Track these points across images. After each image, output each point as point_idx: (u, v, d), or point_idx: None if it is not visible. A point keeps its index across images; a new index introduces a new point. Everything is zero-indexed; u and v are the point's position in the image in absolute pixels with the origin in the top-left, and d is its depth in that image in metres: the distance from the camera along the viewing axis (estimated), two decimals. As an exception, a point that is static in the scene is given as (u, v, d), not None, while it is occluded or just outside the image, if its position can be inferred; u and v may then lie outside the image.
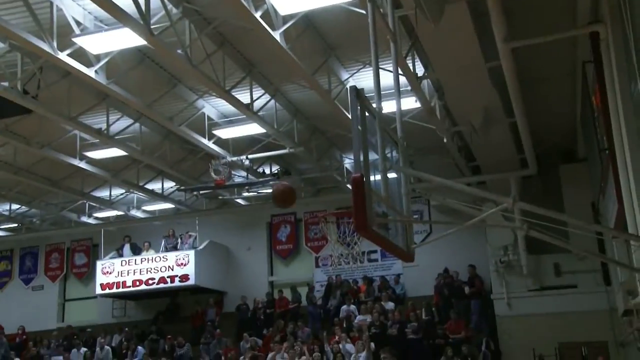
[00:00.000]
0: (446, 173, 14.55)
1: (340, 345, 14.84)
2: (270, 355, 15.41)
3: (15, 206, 18.92)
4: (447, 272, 17.11)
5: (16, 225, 20.19)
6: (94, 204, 19.04)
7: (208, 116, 13.52)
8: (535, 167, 14.28)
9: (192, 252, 18.55)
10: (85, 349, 17.71)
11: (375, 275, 18.47)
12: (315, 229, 19.46)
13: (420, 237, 15.96)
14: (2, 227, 20.33)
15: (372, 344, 14.67)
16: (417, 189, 11.82)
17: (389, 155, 5.97)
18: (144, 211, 19.95)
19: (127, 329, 18.54)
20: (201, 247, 18.96)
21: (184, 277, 18.33)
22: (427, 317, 15.97)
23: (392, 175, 6.06)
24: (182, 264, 18.46)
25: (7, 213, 19.06)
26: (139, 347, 17.35)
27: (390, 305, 16.62)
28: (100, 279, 18.90)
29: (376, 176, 5.47)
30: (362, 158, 5.05)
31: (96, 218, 20.04)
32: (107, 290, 18.92)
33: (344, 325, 16.21)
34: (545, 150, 14.99)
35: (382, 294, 17.26)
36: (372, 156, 5.41)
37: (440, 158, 14.75)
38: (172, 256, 18.65)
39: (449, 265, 17.17)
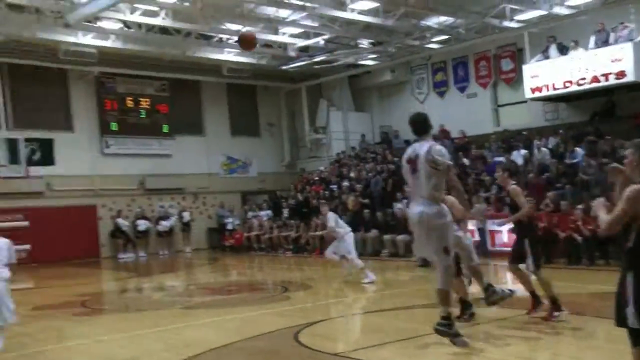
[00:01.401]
0: None
1: None
2: None
3: (442, 18, 19.91)
4: None
5: (446, 37, 21.40)
6: (514, 7, 18.70)
7: None
8: None
9: (628, 45, 16.78)
10: (524, 151, 18.41)
11: None
12: None
13: None
14: (434, 40, 21.83)
15: None
16: None
17: None
18: (568, 7, 18.70)
19: (561, 130, 18.45)
20: (639, 38, 16.96)
21: (620, 74, 16.90)
22: None
23: None
24: (616, 59, 16.98)
25: (436, 26, 20.27)
26: (577, 149, 17.16)
27: None
28: (528, 83, 18.92)
29: None
30: None
31: (518, 21, 19.71)
32: (537, 94, 18.88)
33: None
34: None
35: None
36: None
37: None
38: (604, 52, 17.25)
39: None
